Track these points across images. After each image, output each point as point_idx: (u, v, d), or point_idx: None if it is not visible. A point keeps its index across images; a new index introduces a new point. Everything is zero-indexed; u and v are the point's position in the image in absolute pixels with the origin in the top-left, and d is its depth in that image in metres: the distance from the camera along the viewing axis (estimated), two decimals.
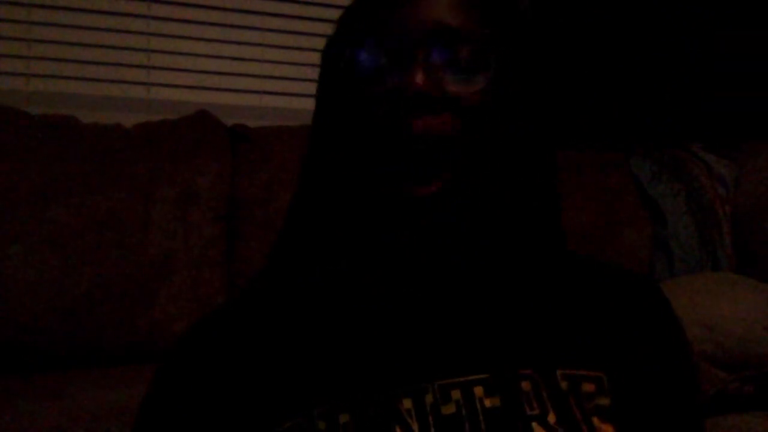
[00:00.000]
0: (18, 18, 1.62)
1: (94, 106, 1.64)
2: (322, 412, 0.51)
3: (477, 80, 0.55)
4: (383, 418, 0.50)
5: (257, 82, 1.81)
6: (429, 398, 0.51)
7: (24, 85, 1.62)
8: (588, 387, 0.53)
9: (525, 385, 0.51)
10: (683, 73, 2.03)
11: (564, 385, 0.52)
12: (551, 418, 0.50)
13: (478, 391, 0.51)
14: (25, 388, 1.12)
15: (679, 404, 0.58)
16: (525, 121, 0.59)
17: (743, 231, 1.70)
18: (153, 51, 1.73)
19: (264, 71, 1.82)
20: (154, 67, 1.73)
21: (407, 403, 0.50)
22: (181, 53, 1.75)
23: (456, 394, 0.51)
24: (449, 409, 0.50)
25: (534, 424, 0.50)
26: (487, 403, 0.50)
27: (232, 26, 1.79)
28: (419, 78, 0.53)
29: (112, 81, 1.69)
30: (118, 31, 1.70)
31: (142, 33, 1.72)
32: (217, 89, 1.77)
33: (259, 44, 1.81)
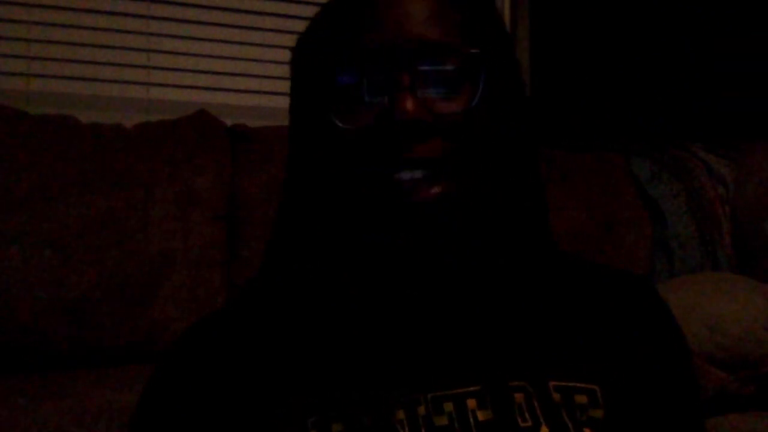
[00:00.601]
0: (18, 18, 1.62)
1: (94, 106, 1.63)
2: (315, 422, 0.51)
3: (465, 97, 0.53)
4: (376, 428, 0.50)
5: (257, 82, 1.81)
6: (422, 410, 0.50)
7: (24, 85, 1.62)
8: (581, 399, 0.52)
9: (518, 397, 0.51)
10: (683, 73, 2.03)
11: (557, 396, 0.52)
12: (543, 430, 0.50)
13: (471, 403, 0.51)
14: (25, 388, 1.12)
15: (678, 415, 0.57)
16: (512, 131, 0.58)
17: (743, 231, 1.70)
18: (153, 51, 1.73)
19: (264, 71, 1.81)
20: (154, 67, 1.73)
21: (400, 414, 0.50)
22: (181, 53, 1.75)
23: (449, 407, 0.50)
24: (441, 421, 0.50)
25: None
26: (480, 415, 0.50)
27: (231, 26, 1.79)
28: (410, 104, 0.51)
29: (112, 81, 1.69)
30: (118, 31, 1.69)
31: (142, 33, 1.72)
32: (217, 89, 1.77)
33: (259, 44, 1.81)
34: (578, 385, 0.53)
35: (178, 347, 0.61)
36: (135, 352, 1.29)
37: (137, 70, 1.71)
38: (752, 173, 1.74)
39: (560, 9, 1.95)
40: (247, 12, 1.80)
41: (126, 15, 1.70)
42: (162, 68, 1.73)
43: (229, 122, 1.53)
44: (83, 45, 1.67)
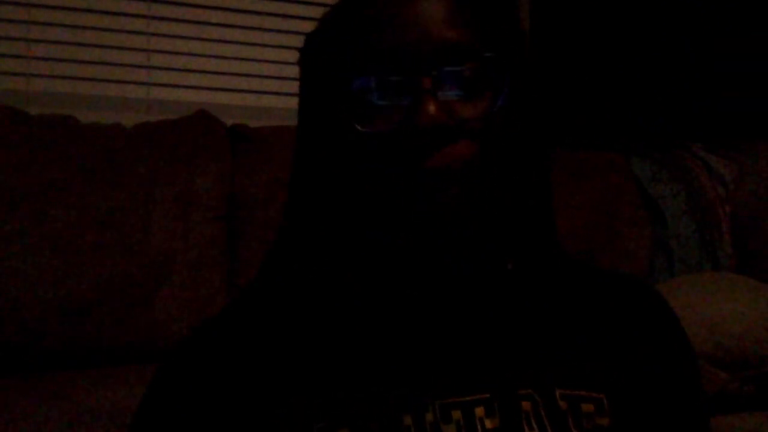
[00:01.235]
0: (18, 18, 1.62)
1: (94, 106, 1.63)
2: (322, 428, 0.50)
3: (486, 100, 0.52)
4: None
5: (257, 82, 1.81)
6: (429, 416, 0.50)
7: (24, 85, 1.62)
8: (587, 407, 0.52)
9: (525, 405, 0.51)
10: (683, 73, 2.03)
11: (563, 404, 0.51)
12: None
13: (479, 411, 0.50)
14: (25, 388, 1.12)
15: (685, 424, 0.57)
16: (531, 135, 0.58)
17: (743, 231, 1.70)
18: (153, 51, 1.73)
19: (264, 71, 1.81)
20: (154, 67, 1.73)
21: (407, 420, 0.50)
22: (181, 53, 1.75)
23: (457, 414, 0.50)
24: (449, 429, 0.50)
25: None
26: (488, 423, 0.50)
27: (231, 26, 1.79)
28: (433, 109, 0.50)
29: (112, 81, 1.69)
30: (118, 31, 1.70)
31: (142, 33, 1.72)
32: (217, 89, 1.77)
33: (259, 44, 1.81)
34: (585, 393, 0.53)
35: (181, 350, 0.60)
36: (135, 352, 1.29)
37: (137, 70, 1.71)
38: (752, 173, 1.74)
39: (560, 9, 1.95)
40: (247, 12, 1.80)
41: (126, 15, 1.70)
42: (162, 68, 1.73)
43: (229, 122, 1.53)
44: (83, 45, 1.67)
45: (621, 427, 0.53)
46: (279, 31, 1.83)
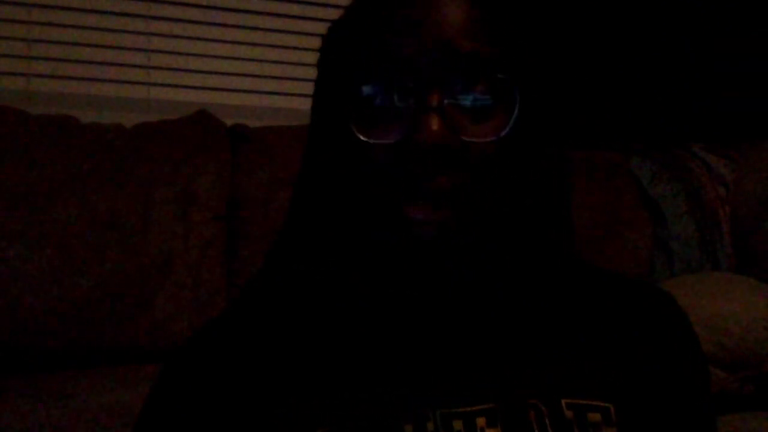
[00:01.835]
0: (18, 18, 1.62)
1: (94, 106, 1.63)
2: None
3: (497, 122, 0.49)
4: None
5: (257, 82, 1.81)
6: (430, 426, 0.49)
7: (24, 85, 1.62)
8: (594, 417, 0.51)
9: (530, 415, 0.50)
10: (683, 74, 2.03)
11: (569, 414, 0.50)
12: None
13: (481, 421, 0.50)
14: (25, 388, 1.12)
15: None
16: (544, 159, 0.56)
17: (743, 231, 1.70)
18: (153, 51, 1.73)
19: (264, 71, 1.81)
20: (154, 67, 1.73)
21: (408, 430, 0.49)
22: (181, 53, 1.75)
23: (458, 425, 0.49)
24: None
25: None
26: None
27: (232, 26, 1.79)
28: (436, 125, 0.47)
29: (112, 81, 1.69)
30: (118, 31, 1.69)
31: (142, 33, 1.72)
32: (217, 89, 1.77)
33: (259, 44, 1.81)
34: (592, 402, 0.51)
35: (184, 351, 0.59)
36: (135, 352, 1.29)
37: (137, 70, 1.71)
38: (752, 173, 1.74)
39: (560, 8, 1.94)
40: (247, 12, 1.80)
41: (126, 15, 1.70)
42: (162, 68, 1.73)
43: (229, 122, 1.53)
44: (83, 45, 1.67)
45: None
46: (279, 31, 1.83)
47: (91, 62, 1.67)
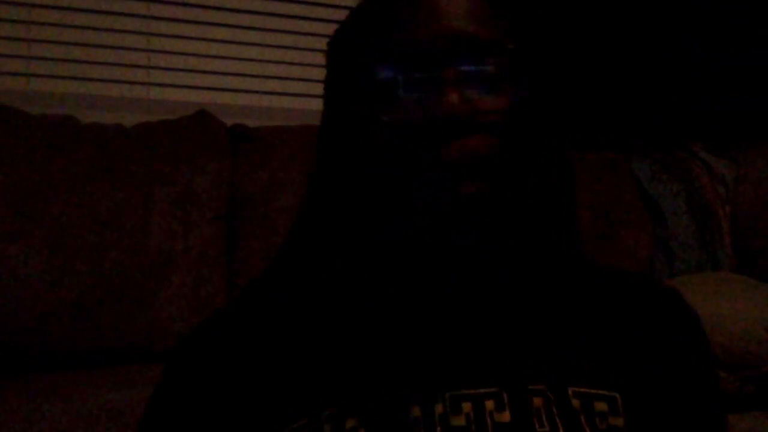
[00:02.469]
0: (18, 18, 1.62)
1: (94, 106, 1.64)
2: (329, 415, 0.50)
3: (507, 94, 0.53)
4: (391, 425, 0.49)
5: (257, 82, 1.81)
6: (439, 408, 0.50)
7: (24, 85, 1.62)
8: (601, 406, 0.51)
9: (536, 402, 0.50)
10: (683, 73, 2.03)
11: (576, 403, 0.51)
12: None
13: (489, 405, 0.50)
14: (25, 388, 1.12)
15: (702, 425, 0.57)
16: (552, 132, 0.58)
17: (743, 231, 1.70)
18: (153, 51, 1.73)
19: (264, 71, 1.81)
20: (154, 67, 1.73)
21: (416, 411, 0.50)
22: (181, 53, 1.75)
23: (467, 407, 0.50)
24: (459, 421, 0.49)
25: None
26: (498, 418, 0.50)
27: (231, 26, 1.79)
28: (455, 98, 0.51)
29: (112, 81, 1.69)
30: (118, 31, 1.70)
31: (142, 33, 1.72)
32: (217, 89, 1.77)
33: (259, 44, 1.81)
34: (599, 392, 0.52)
35: (189, 342, 0.60)
36: (135, 352, 1.29)
37: (137, 70, 1.72)
38: (752, 173, 1.74)
39: (560, 8, 1.94)
40: (246, 12, 1.80)
41: (126, 15, 1.70)
42: (162, 68, 1.74)
43: (229, 122, 1.53)
44: (83, 45, 1.67)
45: (636, 427, 0.52)
46: (279, 31, 1.83)
47: (91, 62, 1.67)
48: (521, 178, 0.55)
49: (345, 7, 1.80)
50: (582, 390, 0.52)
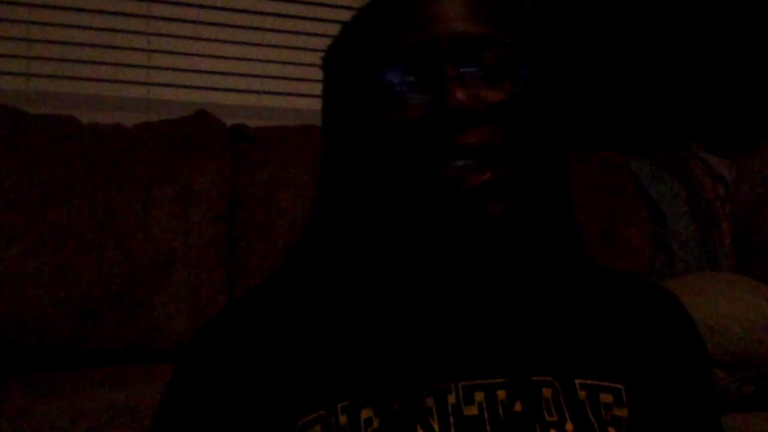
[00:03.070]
0: (18, 18, 1.62)
1: (94, 106, 1.64)
2: (344, 406, 0.51)
3: (508, 86, 0.55)
4: (406, 415, 0.51)
5: (257, 82, 1.81)
6: (452, 398, 0.51)
7: (24, 85, 1.62)
8: (606, 397, 0.53)
9: (545, 392, 0.52)
10: (683, 73, 2.03)
11: (582, 394, 0.53)
12: (569, 426, 0.51)
13: (501, 394, 0.51)
14: (25, 388, 1.12)
15: (699, 419, 0.58)
16: (552, 124, 0.60)
17: (743, 231, 1.70)
18: (153, 51, 1.73)
19: (264, 71, 1.81)
20: (154, 67, 1.73)
21: (430, 402, 0.51)
22: (181, 53, 1.75)
23: (479, 396, 0.51)
24: (471, 411, 0.51)
25: (552, 431, 0.51)
26: (510, 407, 0.51)
27: (231, 26, 1.79)
28: (460, 93, 0.53)
29: (112, 81, 1.69)
30: (118, 31, 1.70)
31: (142, 33, 1.72)
32: (217, 89, 1.77)
33: (259, 44, 1.81)
34: (603, 383, 0.54)
35: (205, 333, 0.61)
36: (135, 352, 1.29)
37: (137, 70, 1.71)
38: (752, 173, 1.74)
39: (560, 8, 1.95)
40: (246, 12, 1.80)
41: (126, 15, 1.70)
42: (162, 68, 1.73)
43: (229, 122, 1.53)
44: (83, 45, 1.67)
45: (639, 418, 0.54)
46: (279, 31, 1.83)
47: (91, 62, 1.67)
48: (527, 170, 0.56)
49: (345, 7, 1.80)
50: (588, 382, 0.54)
